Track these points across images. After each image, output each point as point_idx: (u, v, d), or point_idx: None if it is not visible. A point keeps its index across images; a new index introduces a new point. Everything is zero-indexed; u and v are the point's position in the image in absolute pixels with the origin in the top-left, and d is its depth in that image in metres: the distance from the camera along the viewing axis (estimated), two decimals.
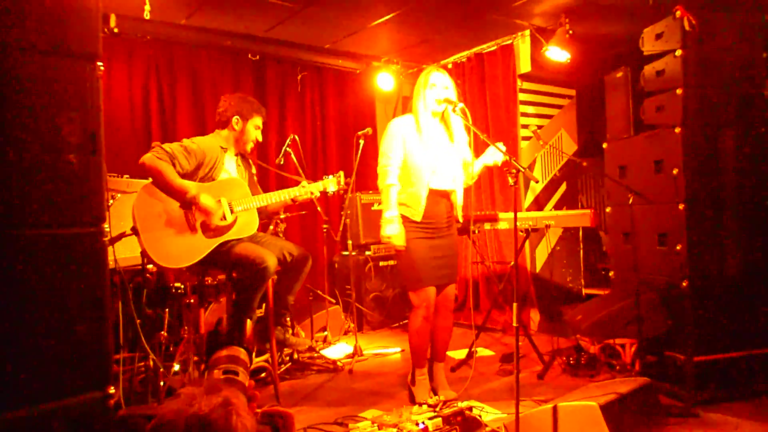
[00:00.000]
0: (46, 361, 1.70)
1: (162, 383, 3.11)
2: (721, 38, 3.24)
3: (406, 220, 3.10)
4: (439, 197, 3.16)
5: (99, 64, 1.85)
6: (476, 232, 3.93)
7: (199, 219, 2.95)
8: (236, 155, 3.29)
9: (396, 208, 3.10)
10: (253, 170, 3.46)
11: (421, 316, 3.12)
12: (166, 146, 2.95)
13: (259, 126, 3.29)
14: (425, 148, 3.09)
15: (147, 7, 3.57)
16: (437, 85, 3.14)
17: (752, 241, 3.24)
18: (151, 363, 3.25)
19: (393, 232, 3.06)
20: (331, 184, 3.35)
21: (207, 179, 3.07)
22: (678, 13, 3.19)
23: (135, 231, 2.85)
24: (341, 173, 3.41)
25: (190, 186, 2.90)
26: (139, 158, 2.90)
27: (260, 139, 3.33)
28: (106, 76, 4.54)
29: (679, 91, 3.20)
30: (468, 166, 3.29)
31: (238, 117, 3.22)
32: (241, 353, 1.34)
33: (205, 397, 1.05)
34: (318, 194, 3.32)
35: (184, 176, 2.98)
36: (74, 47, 1.80)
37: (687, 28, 3.16)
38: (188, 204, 2.88)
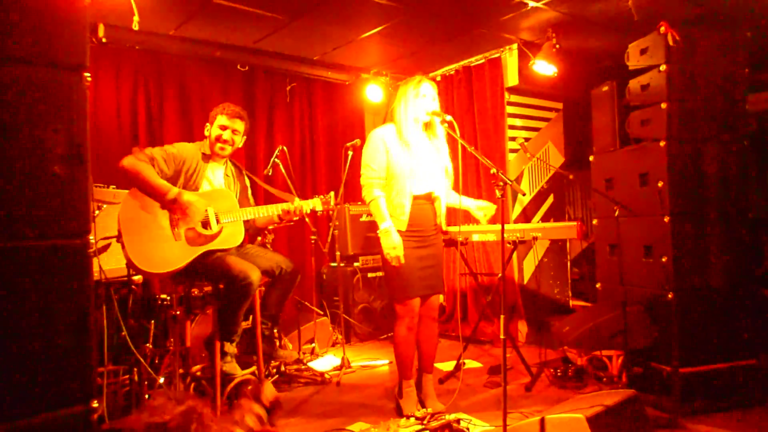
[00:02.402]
0: (27, 374, 1.67)
1: (147, 396, 3.07)
2: (704, 54, 3.30)
3: None
4: (423, 204, 3.15)
5: (86, 74, 1.84)
6: (465, 243, 3.94)
7: (184, 227, 2.93)
8: (222, 163, 3.26)
9: (389, 218, 3.06)
10: (247, 182, 3.43)
11: (405, 327, 3.11)
12: (146, 150, 2.96)
13: (223, 125, 3.17)
14: (408, 156, 3.09)
15: (136, 18, 3.56)
16: (427, 96, 3.14)
17: (736, 252, 3.28)
18: (136, 376, 3.22)
19: (396, 241, 3.02)
20: (318, 204, 3.32)
21: (190, 188, 3.05)
22: (662, 29, 3.25)
23: (119, 234, 2.83)
24: (332, 194, 3.36)
25: (171, 186, 2.89)
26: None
27: (227, 138, 3.18)
28: (94, 86, 4.51)
29: (663, 106, 3.25)
30: (450, 174, 3.28)
31: (207, 124, 3.24)
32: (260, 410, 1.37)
33: (170, 406, 1.07)
34: (307, 212, 3.27)
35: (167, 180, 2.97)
36: (61, 58, 1.78)
37: (671, 43, 3.22)
38: (170, 203, 2.85)
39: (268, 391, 1.56)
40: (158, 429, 1.04)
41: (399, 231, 3.07)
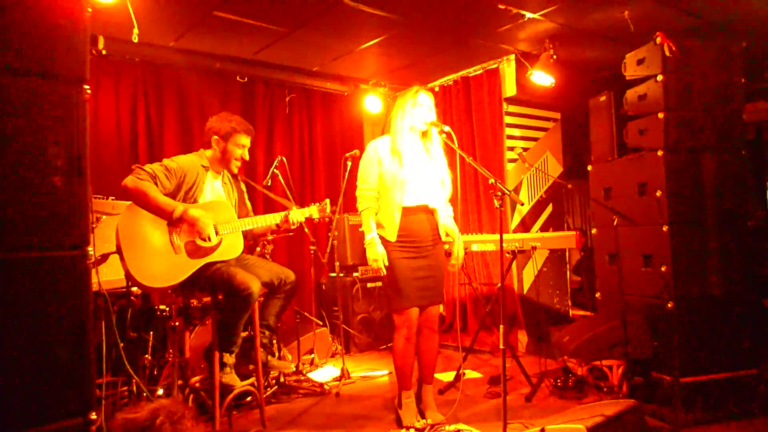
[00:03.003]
0: (26, 386, 1.67)
1: None
2: (700, 64, 3.32)
3: (383, 240, 3.10)
4: (418, 215, 3.14)
5: (86, 87, 1.85)
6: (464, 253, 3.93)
7: (183, 239, 2.93)
8: (221, 173, 3.26)
9: (376, 229, 3.12)
10: (243, 187, 3.44)
11: (403, 337, 3.11)
12: (146, 167, 2.94)
13: (242, 144, 3.21)
14: (400, 167, 3.09)
15: (135, 30, 3.59)
16: (423, 105, 3.16)
17: (734, 262, 3.28)
18: (135, 387, 3.21)
19: (378, 252, 3.06)
20: (314, 211, 3.35)
21: (189, 199, 3.05)
22: (659, 40, 3.28)
23: (118, 250, 2.82)
24: (327, 201, 3.40)
25: (176, 202, 2.88)
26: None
27: (246, 157, 3.26)
28: (93, 97, 4.53)
29: (660, 115, 3.27)
30: (448, 185, 3.28)
31: (217, 137, 3.18)
32: None
33: (145, 406, 1.17)
34: (303, 219, 3.30)
35: (167, 195, 2.97)
36: (61, 70, 1.80)
37: (668, 53, 3.24)
38: (177, 220, 2.86)
39: None
40: (129, 423, 1.13)
41: (389, 241, 3.09)
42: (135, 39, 3.61)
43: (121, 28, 3.73)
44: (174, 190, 3.01)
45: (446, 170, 3.26)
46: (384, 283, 3.19)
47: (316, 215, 3.36)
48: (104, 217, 3.48)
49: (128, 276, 2.84)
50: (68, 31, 1.83)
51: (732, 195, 3.32)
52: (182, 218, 2.86)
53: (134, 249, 2.82)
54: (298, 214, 3.27)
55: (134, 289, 3.49)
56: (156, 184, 2.90)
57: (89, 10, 1.89)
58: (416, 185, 3.13)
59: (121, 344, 3.12)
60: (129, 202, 2.92)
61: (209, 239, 2.95)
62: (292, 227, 3.28)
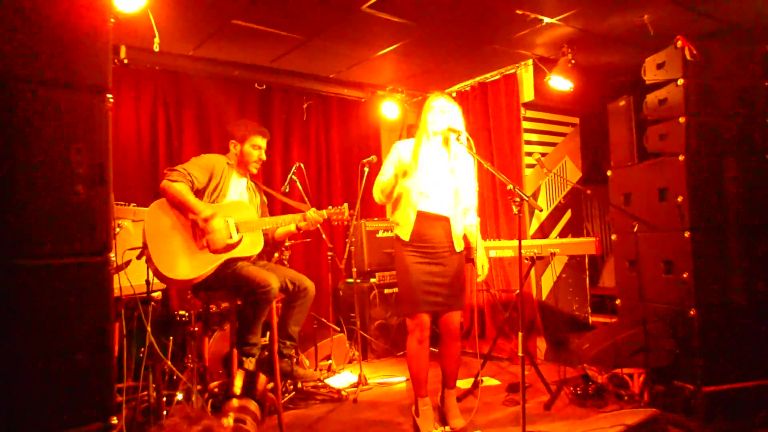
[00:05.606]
0: (47, 391, 1.69)
1: (165, 413, 3.08)
2: (721, 67, 3.28)
3: (397, 239, 3.14)
4: (433, 221, 3.12)
5: (109, 96, 1.89)
6: None
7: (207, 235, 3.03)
8: (243, 177, 3.39)
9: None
10: (264, 199, 3.53)
11: (415, 340, 3.10)
12: (179, 167, 3.12)
13: (258, 146, 3.38)
14: (419, 170, 3.09)
15: (156, 39, 3.65)
16: (435, 107, 3.16)
17: (758, 268, 3.22)
18: (154, 392, 3.23)
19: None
20: (332, 214, 3.37)
21: (217, 196, 3.19)
22: (679, 43, 3.24)
23: (144, 244, 2.94)
24: (345, 205, 3.41)
25: (205, 207, 3.04)
26: (146, 187, 3.00)
27: (263, 158, 3.43)
28: (115, 106, 4.59)
29: (681, 120, 3.23)
30: (469, 196, 3.25)
31: (234, 141, 3.37)
32: (252, 404, 1.37)
33: (187, 426, 1.10)
34: (322, 219, 3.33)
35: (200, 191, 3.13)
36: (84, 80, 1.83)
37: (688, 57, 3.21)
38: (202, 221, 3.00)
39: (260, 383, 1.57)
40: None
41: (404, 241, 3.09)
42: (156, 48, 3.67)
43: (142, 37, 3.80)
44: (207, 183, 3.17)
45: (472, 180, 3.24)
46: (398, 287, 3.21)
47: (335, 216, 3.35)
48: (125, 223, 3.52)
49: (154, 271, 2.95)
50: (91, 42, 1.86)
51: (755, 200, 3.26)
52: (206, 222, 3.00)
53: (159, 242, 2.95)
54: (318, 215, 3.31)
55: (154, 294, 3.53)
56: (192, 181, 3.08)
57: (112, 20, 1.93)
58: (433, 192, 3.11)
59: (141, 349, 3.16)
60: (158, 201, 3.05)
61: (231, 236, 3.06)
62: (311, 228, 3.33)
